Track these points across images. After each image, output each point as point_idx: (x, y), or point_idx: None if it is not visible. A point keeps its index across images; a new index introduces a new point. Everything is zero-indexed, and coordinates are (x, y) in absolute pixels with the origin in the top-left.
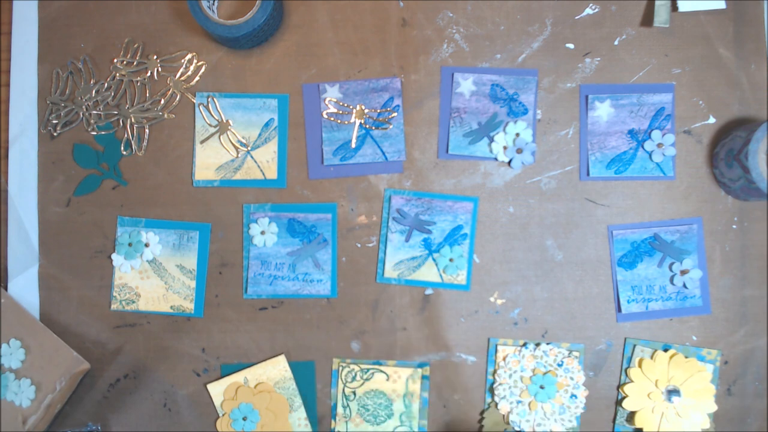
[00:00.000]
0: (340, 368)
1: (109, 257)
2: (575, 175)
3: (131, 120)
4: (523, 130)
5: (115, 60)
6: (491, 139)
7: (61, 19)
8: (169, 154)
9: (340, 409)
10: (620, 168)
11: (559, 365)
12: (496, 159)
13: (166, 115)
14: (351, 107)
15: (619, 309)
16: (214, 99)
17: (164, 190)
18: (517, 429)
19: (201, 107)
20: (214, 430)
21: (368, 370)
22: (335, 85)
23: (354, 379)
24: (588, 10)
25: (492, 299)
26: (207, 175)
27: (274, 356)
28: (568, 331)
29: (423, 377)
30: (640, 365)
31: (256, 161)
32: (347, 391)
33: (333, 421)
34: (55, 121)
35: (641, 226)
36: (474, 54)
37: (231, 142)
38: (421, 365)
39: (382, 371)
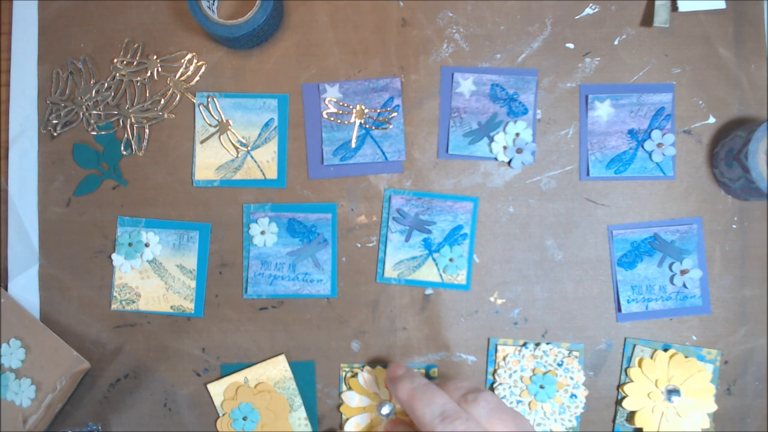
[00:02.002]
0: (345, 374)
1: (109, 257)
2: (575, 175)
3: (131, 120)
4: (523, 130)
5: (115, 60)
6: (491, 139)
7: (61, 19)
8: (169, 154)
9: None
10: (620, 168)
11: (559, 365)
12: (496, 159)
13: (166, 115)
14: (351, 107)
15: (619, 309)
16: (214, 99)
17: (164, 190)
18: None
19: (201, 107)
20: (215, 430)
21: None
22: (335, 85)
23: None
24: (588, 10)
25: (492, 299)
26: (207, 175)
27: (274, 356)
28: (568, 331)
29: (431, 379)
30: (640, 365)
31: (256, 161)
32: None
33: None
34: (55, 121)
35: (641, 226)
36: (474, 54)
37: (231, 142)
38: (429, 367)
39: None
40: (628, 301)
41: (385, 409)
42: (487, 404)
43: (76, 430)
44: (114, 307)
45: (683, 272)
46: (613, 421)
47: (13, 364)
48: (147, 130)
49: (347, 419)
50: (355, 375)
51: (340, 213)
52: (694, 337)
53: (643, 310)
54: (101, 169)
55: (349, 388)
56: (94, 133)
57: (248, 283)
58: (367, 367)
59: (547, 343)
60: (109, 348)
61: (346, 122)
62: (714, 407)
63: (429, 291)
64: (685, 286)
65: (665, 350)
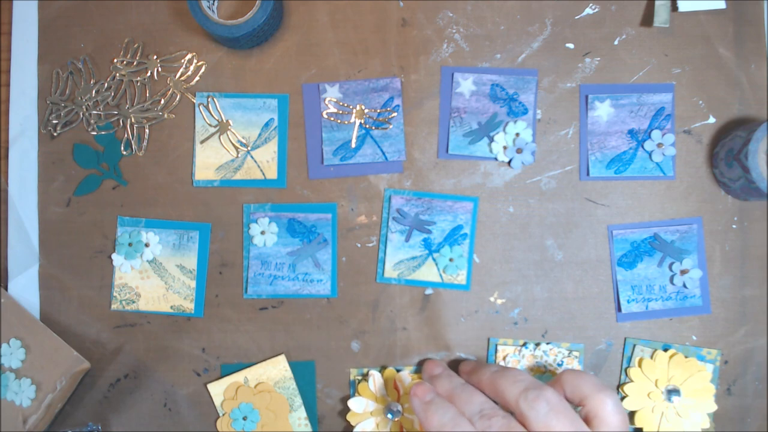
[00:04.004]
0: (357, 382)
1: (109, 257)
2: (575, 175)
3: (131, 120)
4: (523, 130)
5: (115, 60)
6: (491, 139)
7: (61, 19)
8: (169, 154)
9: None
10: (620, 168)
11: (559, 365)
12: (496, 159)
13: (166, 115)
14: (351, 107)
15: (619, 309)
16: (214, 99)
17: (164, 190)
18: None
19: (201, 107)
20: (215, 430)
21: None
22: (335, 85)
23: None
24: (588, 10)
25: (492, 299)
26: (207, 175)
27: (274, 356)
28: (568, 330)
29: None
30: (640, 365)
31: (256, 161)
32: None
33: None
34: (55, 121)
35: (641, 226)
36: (474, 54)
37: (231, 142)
38: None
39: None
40: (628, 301)
41: (391, 413)
42: (547, 405)
43: (76, 430)
44: (114, 307)
45: (683, 272)
46: None
47: (13, 364)
48: (147, 130)
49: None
50: (365, 378)
51: (340, 213)
52: (694, 337)
53: (643, 310)
54: (101, 169)
55: (357, 393)
56: (94, 133)
57: (248, 283)
58: (373, 371)
59: (547, 343)
60: (109, 348)
61: (346, 122)
62: (714, 407)
63: (429, 291)
64: (685, 286)
65: (665, 350)
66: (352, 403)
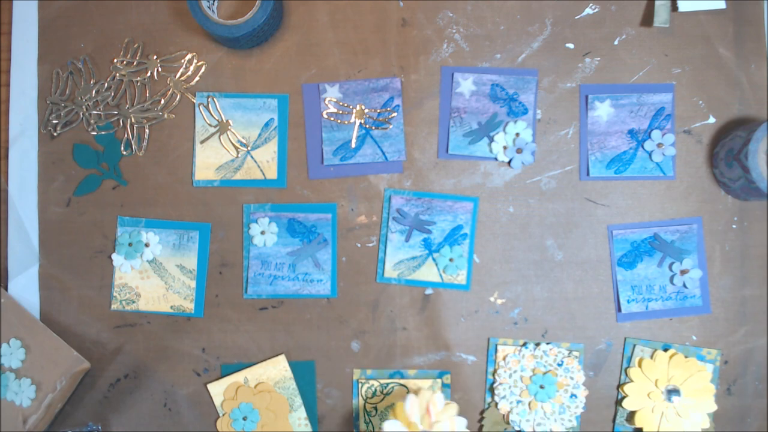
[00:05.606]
0: (360, 384)
1: (109, 257)
2: (575, 175)
3: (131, 120)
4: (523, 130)
5: (115, 60)
6: (491, 139)
7: (61, 19)
8: (169, 154)
9: (363, 426)
10: (620, 168)
11: (559, 365)
12: (496, 159)
13: (166, 115)
14: (351, 107)
15: (619, 309)
16: (214, 99)
17: (164, 190)
18: (517, 429)
19: (201, 107)
20: (215, 430)
21: (387, 384)
22: (335, 85)
23: (374, 394)
24: (588, 10)
25: (492, 299)
26: (207, 175)
27: (274, 356)
28: (568, 330)
29: (443, 386)
30: (640, 365)
31: (256, 161)
32: (368, 407)
33: None
34: (55, 121)
35: (641, 226)
36: (474, 54)
37: (231, 142)
38: (441, 374)
39: (402, 385)
40: (628, 301)
41: None
42: None
43: (76, 430)
44: (114, 307)
45: (683, 272)
46: (613, 421)
47: (13, 364)
48: (147, 130)
49: None
50: (400, 392)
51: (340, 213)
52: (694, 337)
53: (643, 310)
54: (101, 169)
55: (393, 415)
56: (94, 133)
57: (248, 283)
58: (411, 395)
59: (547, 343)
60: (109, 348)
61: (346, 122)
62: (714, 407)
63: (429, 291)
64: (685, 286)
65: (665, 350)
66: (388, 425)
